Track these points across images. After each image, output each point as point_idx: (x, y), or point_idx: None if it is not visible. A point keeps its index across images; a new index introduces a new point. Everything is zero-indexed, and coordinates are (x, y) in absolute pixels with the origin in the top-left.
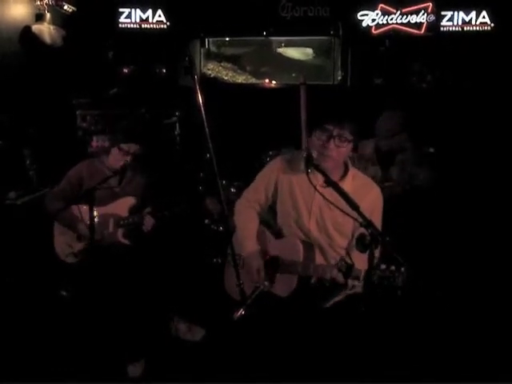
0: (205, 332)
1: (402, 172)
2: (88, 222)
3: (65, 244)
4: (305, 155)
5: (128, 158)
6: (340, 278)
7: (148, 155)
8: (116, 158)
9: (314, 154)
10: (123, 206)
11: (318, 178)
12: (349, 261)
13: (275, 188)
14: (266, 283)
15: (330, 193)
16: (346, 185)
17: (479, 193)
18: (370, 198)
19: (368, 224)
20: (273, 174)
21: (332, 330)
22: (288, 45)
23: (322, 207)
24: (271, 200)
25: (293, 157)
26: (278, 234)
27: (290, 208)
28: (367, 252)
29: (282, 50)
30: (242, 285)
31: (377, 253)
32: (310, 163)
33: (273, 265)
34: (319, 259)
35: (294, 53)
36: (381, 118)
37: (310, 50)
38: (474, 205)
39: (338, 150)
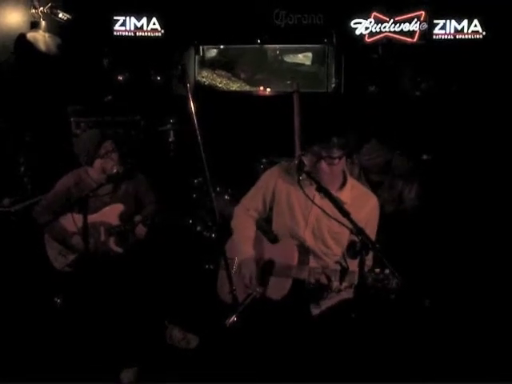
0: (199, 340)
1: (391, 191)
2: (79, 231)
3: (58, 255)
4: (296, 162)
5: (114, 156)
6: (323, 279)
7: (139, 162)
8: (104, 165)
9: (306, 162)
10: (112, 213)
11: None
12: (344, 264)
13: (272, 196)
14: (259, 289)
15: (327, 203)
16: (345, 194)
17: (475, 200)
18: (368, 208)
19: (359, 231)
20: (271, 182)
21: (323, 335)
22: (283, 52)
23: (319, 217)
24: (268, 207)
25: (290, 165)
26: (274, 240)
27: (286, 216)
28: (358, 259)
29: (292, 57)
30: (234, 291)
31: (370, 261)
32: (302, 170)
33: (267, 269)
34: (313, 264)
35: (300, 57)
36: (361, 151)
37: (309, 54)
38: (470, 211)
39: (331, 168)
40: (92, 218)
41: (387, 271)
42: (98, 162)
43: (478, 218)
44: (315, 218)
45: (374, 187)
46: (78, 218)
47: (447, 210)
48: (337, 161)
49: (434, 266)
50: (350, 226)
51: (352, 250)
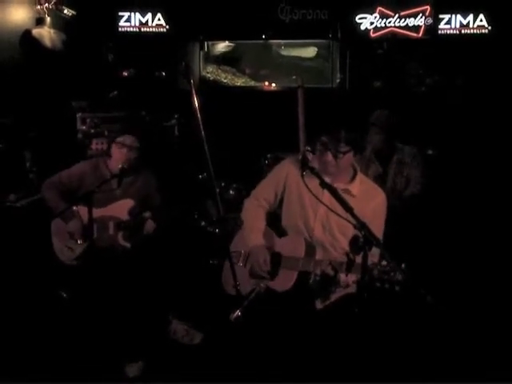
0: (203, 335)
1: (399, 168)
2: (85, 223)
3: (66, 248)
4: (300, 158)
5: (129, 154)
6: (330, 271)
7: (149, 158)
8: (117, 156)
9: (310, 157)
10: (122, 208)
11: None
12: (351, 256)
13: (283, 188)
14: (263, 284)
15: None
16: (354, 188)
17: (479, 194)
18: (375, 203)
19: (361, 226)
20: (282, 176)
21: (326, 330)
22: (287, 48)
23: (327, 210)
24: (278, 200)
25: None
26: (282, 234)
27: (297, 210)
28: (361, 254)
29: (286, 51)
30: (238, 285)
31: (375, 257)
32: (305, 166)
33: (274, 261)
34: (320, 257)
35: (300, 51)
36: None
37: (313, 48)
38: (474, 206)
39: (337, 162)
40: (102, 211)
41: (394, 264)
42: (114, 150)
43: (483, 213)
44: (324, 212)
45: (384, 161)
46: (84, 211)
47: (452, 205)
48: (341, 155)
49: (437, 262)
50: (354, 221)
51: (355, 245)
